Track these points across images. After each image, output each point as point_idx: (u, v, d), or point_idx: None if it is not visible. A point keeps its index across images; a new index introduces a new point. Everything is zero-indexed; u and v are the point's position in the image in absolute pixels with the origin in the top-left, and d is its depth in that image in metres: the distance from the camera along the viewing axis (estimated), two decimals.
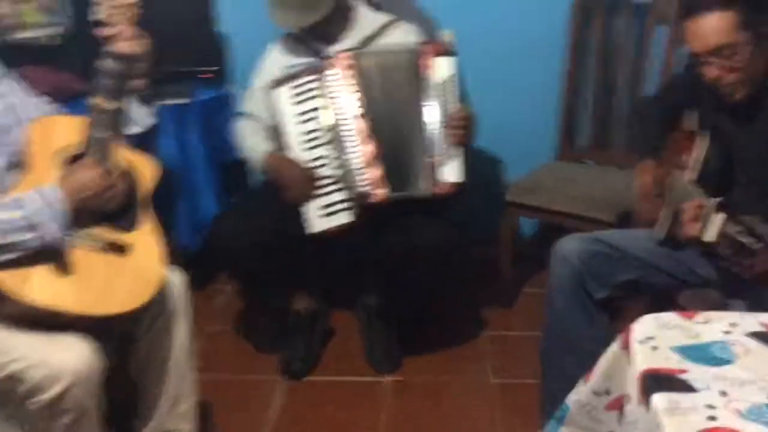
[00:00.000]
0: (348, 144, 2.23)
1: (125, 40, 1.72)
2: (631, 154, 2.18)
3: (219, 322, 2.75)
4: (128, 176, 1.74)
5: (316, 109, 2.26)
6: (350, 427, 2.21)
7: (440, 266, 2.30)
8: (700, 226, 1.59)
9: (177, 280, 1.84)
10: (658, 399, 1.18)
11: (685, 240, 1.68)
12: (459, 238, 2.27)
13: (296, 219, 2.25)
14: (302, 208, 2.26)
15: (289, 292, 2.50)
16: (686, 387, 1.21)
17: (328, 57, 2.29)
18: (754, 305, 1.63)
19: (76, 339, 1.55)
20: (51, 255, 1.56)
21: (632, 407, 1.27)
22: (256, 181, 2.77)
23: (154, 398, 1.85)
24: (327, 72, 2.25)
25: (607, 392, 1.41)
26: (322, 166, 2.25)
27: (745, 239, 1.41)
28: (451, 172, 2.23)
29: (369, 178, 2.21)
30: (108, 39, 1.72)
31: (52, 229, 1.53)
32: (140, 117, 1.86)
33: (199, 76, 2.80)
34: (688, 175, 1.79)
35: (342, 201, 2.25)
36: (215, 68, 2.83)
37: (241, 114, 2.47)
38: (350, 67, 2.24)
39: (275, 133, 2.35)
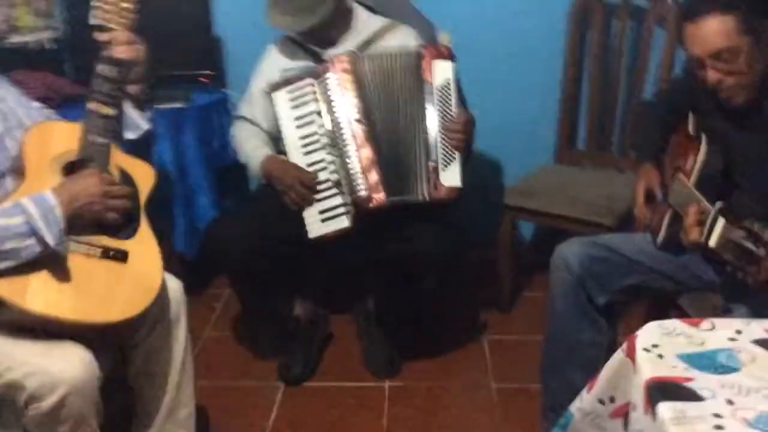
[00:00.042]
0: (346, 148, 2.21)
1: (122, 45, 1.72)
2: (631, 157, 2.18)
3: (217, 327, 2.74)
4: (128, 183, 1.73)
5: (314, 113, 2.24)
6: None
7: (440, 272, 2.29)
8: (702, 231, 1.58)
9: (174, 286, 1.82)
10: (665, 408, 1.17)
11: (688, 245, 1.67)
12: (459, 244, 2.26)
13: (294, 224, 2.23)
14: (300, 212, 2.24)
15: (287, 298, 2.49)
16: (692, 395, 1.20)
17: (327, 60, 2.28)
18: (756, 310, 1.62)
19: (74, 347, 1.54)
20: (50, 262, 1.55)
21: (638, 415, 1.26)
22: (253, 185, 2.75)
23: (152, 405, 1.84)
24: (325, 75, 2.23)
25: (612, 400, 1.40)
26: (321, 170, 2.23)
27: (749, 245, 1.40)
28: (450, 176, 2.21)
29: (367, 182, 2.19)
30: (105, 44, 1.72)
31: (50, 236, 1.52)
32: (137, 122, 1.85)
33: (197, 80, 2.79)
34: (689, 179, 1.78)
35: (340, 206, 2.23)
36: (212, 72, 2.81)
37: (238, 118, 2.45)
38: (349, 70, 2.23)
39: (273, 137, 2.34)
